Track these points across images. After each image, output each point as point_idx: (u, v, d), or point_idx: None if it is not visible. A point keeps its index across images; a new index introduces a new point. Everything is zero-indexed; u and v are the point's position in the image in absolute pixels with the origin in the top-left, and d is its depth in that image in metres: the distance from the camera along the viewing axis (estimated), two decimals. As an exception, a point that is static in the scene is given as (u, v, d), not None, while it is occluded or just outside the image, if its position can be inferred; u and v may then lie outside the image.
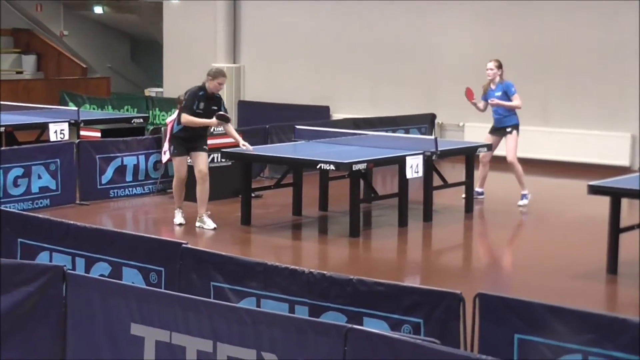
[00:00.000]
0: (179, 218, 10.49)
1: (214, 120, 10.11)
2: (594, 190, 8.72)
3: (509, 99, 11.68)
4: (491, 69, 11.83)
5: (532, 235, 10.97)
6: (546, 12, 15.88)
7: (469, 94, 11.93)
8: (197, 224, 10.34)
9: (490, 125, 12.00)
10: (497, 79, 11.79)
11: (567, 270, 8.84)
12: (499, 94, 11.72)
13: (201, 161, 10.25)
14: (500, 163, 12.41)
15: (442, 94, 16.87)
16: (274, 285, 6.03)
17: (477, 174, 11.91)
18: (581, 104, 15.61)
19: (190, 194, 10.58)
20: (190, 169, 10.39)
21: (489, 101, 11.82)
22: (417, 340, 4.68)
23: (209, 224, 10.30)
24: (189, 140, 10.23)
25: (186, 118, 10.05)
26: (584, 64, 15.59)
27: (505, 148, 11.75)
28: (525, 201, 11.78)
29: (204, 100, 10.11)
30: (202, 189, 10.25)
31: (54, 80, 22.91)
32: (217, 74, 10.13)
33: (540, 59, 15.99)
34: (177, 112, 10.48)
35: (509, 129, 11.76)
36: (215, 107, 10.15)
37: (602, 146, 15.15)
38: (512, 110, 11.78)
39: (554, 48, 15.89)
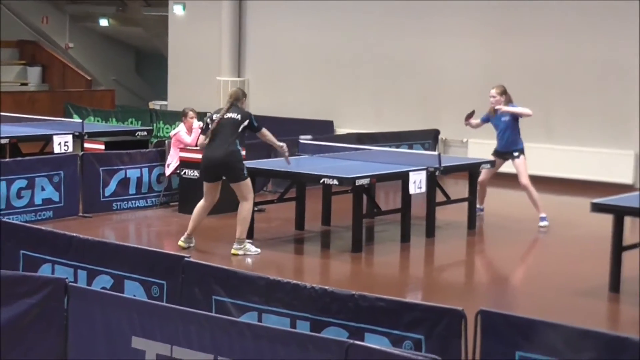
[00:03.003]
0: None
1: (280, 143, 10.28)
2: (597, 208, 8.70)
3: (517, 118, 11.40)
4: (494, 97, 11.48)
5: (534, 252, 10.97)
6: (549, 30, 15.90)
7: (467, 117, 11.75)
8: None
9: (493, 141, 11.89)
10: (502, 104, 11.43)
11: (569, 288, 8.83)
12: (506, 119, 11.44)
13: None
14: (503, 180, 12.41)
15: (446, 110, 16.88)
16: (276, 300, 6.03)
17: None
18: (584, 121, 15.61)
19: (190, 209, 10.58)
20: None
21: (497, 109, 11.37)
22: (418, 357, 4.68)
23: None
24: None
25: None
26: (586, 82, 15.60)
27: (518, 172, 11.48)
28: (545, 222, 11.47)
29: None
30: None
31: (58, 92, 22.96)
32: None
33: (544, 77, 15.99)
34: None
35: (516, 154, 11.52)
36: None
37: (605, 164, 15.14)
38: (518, 135, 11.52)
39: (557, 66, 15.89)
